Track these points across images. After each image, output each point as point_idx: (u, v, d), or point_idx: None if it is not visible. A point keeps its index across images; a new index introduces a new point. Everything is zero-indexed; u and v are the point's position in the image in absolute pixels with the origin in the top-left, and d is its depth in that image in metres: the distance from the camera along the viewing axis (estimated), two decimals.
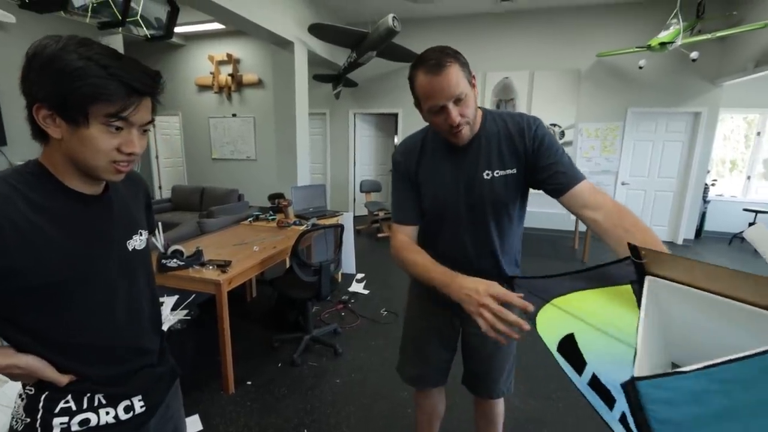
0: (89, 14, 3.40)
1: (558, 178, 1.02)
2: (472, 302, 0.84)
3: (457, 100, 0.98)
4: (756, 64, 4.24)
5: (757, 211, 5.47)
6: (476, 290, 0.84)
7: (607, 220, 0.92)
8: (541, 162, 1.04)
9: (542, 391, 2.21)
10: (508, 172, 1.08)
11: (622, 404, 0.61)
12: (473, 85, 1.02)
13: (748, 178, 6.02)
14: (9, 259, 0.63)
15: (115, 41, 3.89)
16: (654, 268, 0.58)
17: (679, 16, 4.08)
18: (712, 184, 5.93)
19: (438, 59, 0.95)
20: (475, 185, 1.09)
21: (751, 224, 4.30)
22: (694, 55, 4.25)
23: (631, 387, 0.52)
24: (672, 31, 4.08)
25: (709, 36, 4.18)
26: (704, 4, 4.53)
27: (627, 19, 5.16)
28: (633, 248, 0.61)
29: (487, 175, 1.08)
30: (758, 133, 5.85)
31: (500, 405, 1.43)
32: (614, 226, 0.89)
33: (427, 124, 1.11)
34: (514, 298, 0.81)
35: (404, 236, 1.15)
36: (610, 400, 0.62)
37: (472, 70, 1.02)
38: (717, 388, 0.49)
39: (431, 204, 1.15)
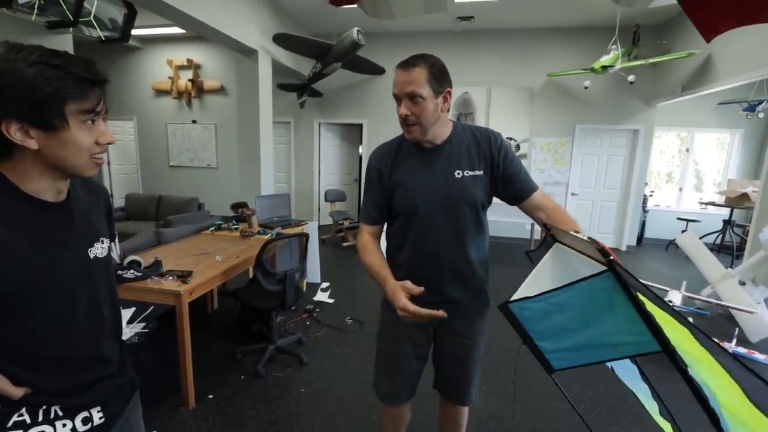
0: (35, 12, 3.21)
1: (520, 186, 1.23)
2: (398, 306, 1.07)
3: (412, 97, 1.09)
4: (683, 88, 4.75)
5: (688, 220, 6.05)
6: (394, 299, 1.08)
7: (548, 217, 1.19)
8: (506, 172, 1.22)
9: (502, 390, 2.32)
10: (476, 173, 1.21)
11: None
12: (441, 95, 1.12)
13: (680, 189, 6.66)
14: None
15: (65, 42, 3.69)
16: (558, 238, 0.90)
17: (618, 43, 4.50)
18: (650, 195, 6.50)
19: (411, 59, 1.10)
20: (447, 183, 1.20)
21: (683, 231, 4.76)
22: (631, 78, 4.68)
23: (505, 308, 0.82)
24: (612, 56, 4.48)
25: (643, 62, 4.64)
26: (639, 32, 5.03)
27: (573, 42, 5.61)
28: (544, 225, 1.01)
29: (458, 174, 1.20)
30: (687, 150, 6.51)
31: (466, 409, 1.51)
32: (551, 220, 1.18)
33: (400, 132, 1.24)
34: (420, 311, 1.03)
35: (369, 235, 1.28)
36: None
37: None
38: (552, 308, 0.76)
39: (405, 201, 1.21)
